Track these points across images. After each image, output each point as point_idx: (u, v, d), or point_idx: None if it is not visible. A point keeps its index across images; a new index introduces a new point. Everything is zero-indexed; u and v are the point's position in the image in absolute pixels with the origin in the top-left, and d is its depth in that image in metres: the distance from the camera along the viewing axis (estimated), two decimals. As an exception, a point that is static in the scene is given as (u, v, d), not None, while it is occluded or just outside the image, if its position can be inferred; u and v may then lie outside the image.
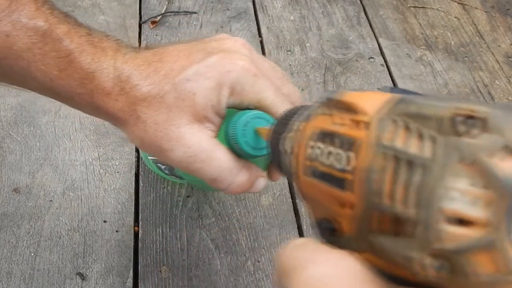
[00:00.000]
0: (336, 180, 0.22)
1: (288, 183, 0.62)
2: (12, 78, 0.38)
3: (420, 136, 0.19)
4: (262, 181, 0.41)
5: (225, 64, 0.38)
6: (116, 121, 0.39)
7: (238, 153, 0.39)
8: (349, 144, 0.22)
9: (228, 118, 0.39)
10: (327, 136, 0.23)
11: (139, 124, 0.38)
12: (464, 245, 0.17)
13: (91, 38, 0.38)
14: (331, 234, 0.23)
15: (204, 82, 0.37)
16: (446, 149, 0.17)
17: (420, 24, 0.86)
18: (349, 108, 0.23)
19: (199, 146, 0.37)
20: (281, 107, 0.39)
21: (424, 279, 0.18)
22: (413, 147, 0.19)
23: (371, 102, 0.22)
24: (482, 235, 0.17)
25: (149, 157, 0.57)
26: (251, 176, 0.40)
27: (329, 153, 0.23)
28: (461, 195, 0.17)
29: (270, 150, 0.34)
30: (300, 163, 0.25)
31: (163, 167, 0.57)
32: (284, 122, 0.31)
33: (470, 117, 0.17)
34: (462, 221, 0.17)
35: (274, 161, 0.33)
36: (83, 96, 0.38)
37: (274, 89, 0.39)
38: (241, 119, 0.38)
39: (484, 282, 0.17)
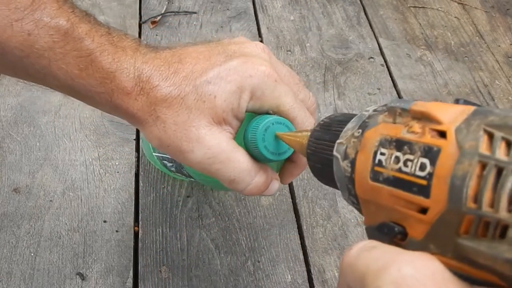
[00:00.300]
0: (411, 186, 0.23)
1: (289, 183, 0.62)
2: (32, 76, 0.38)
3: (508, 144, 0.20)
4: (276, 184, 0.42)
5: (246, 68, 0.38)
6: (134, 121, 0.39)
7: (255, 156, 0.40)
8: (428, 151, 0.23)
9: (246, 121, 0.40)
10: (400, 144, 0.24)
11: (158, 124, 0.38)
12: None
13: (111, 37, 0.38)
14: (394, 237, 0.24)
15: (225, 85, 0.37)
16: None
17: (420, 24, 0.86)
18: (425, 118, 0.24)
19: (219, 148, 0.38)
20: (299, 113, 0.40)
21: None
22: (501, 153, 0.20)
23: (449, 112, 0.23)
24: None
25: (154, 154, 0.57)
26: (268, 178, 0.41)
27: (403, 159, 0.24)
28: None
29: (312, 156, 0.34)
30: (364, 169, 0.26)
31: (169, 164, 0.57)
32: (330, 129, 0.32)
33: None
34: None
35: (318, 167, 0.33)
36: (103, 95, 0.38)
37: (293, 95, 0.40)
38: (262, 124, 0.39)
39: None
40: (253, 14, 0.85)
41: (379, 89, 0.74)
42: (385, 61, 0.79)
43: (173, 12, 0.84)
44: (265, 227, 0.58)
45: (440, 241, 0.22)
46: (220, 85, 0.37)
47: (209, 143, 0.38)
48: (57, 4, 0.36)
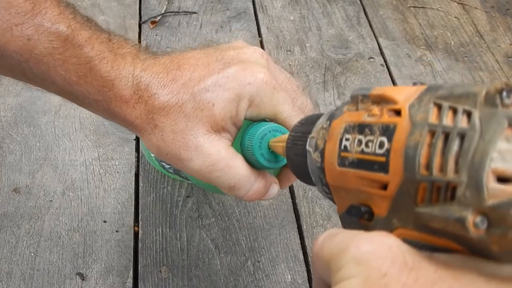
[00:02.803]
0: (373, 164, 0.24)
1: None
2: (31, 80, 0.38)
3: (454, 111, 0.21)
4: (275, 188, 0.42)
5: (245, 75, 0.38)
6: (133, 128, 0.39)
7: (252, 164, 0.40)
8: (384, 130, 0.24)
9: (243, 128, 0.40)
10: (362, 127, 0.25)
11: (156, 132, 0.38)
12: None
13: (111, 44, 0.38)
14: (362, 218, 0.25)
15: (223, 93, 0.37)
16: (491, 118, 0.19)
17: (420, 24, 0.86)
18: (383, 101, 0.25)
19: (218, 155, 0.38)
20: (296, 120, 0.39)
21: (469, 240, 0.19)
22: (455, 121, 0.21)
23: (400, 92, 0.24)
24: None
25: (152, 155, 0.57)
26: (267, 183, 0.41)
27: (365, 141, 0.25)
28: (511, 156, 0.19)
29: (290, 156, 0.35)
30: (332, 156, 0.27)
31: (167, 166, 0.57)
32: (303, 128, 0.33)
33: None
34: (511, 179, 0.19)
35: (294, 165, 0.34)
36: (100, 103, 0.38)
37: (291, 102, 0.40)
38: (258, 132, 0.39)
39: None
40: (253, 14, 0.85)
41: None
42: (385, 61, 0.79)
43: (173, 12, 0.84)
44: (265, 227, 0.58)
45: (401, 213, 0.23)
46: (218, 93, 0.37)
47: (208, 151, 0.37)
48: (58, 9, 0.36)
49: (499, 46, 0.82)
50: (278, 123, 0.40)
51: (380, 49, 0.80)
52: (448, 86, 0.22)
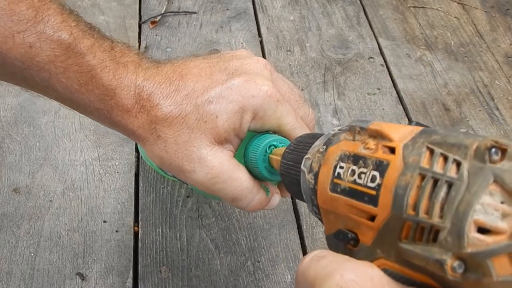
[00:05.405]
0: (363, 196, 0.26)
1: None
2: (32, 87, 0.38)
3: (445, 159, 0.22)
4: (277, 198, 0.42)
5: (249, 88, 0.38)
6: (135, 138, 0.39)
7: (256, 175, 0.40)
8: (378, 165, 0.25)
9: (246, 139, 0.40)
10: (356, 158, 0.27)
11: (159, 143, 0.38)
12: (491, 249, 0.20)
13: (114, 52, 0.37)
14: (348, 243, 0.27)
15: (227, 105, 0.37)
16: (478, 172, 0.21)
17: (420, 24, 0.86)
18: (379, 136, 0.26)
19: (221, 167, 0.38)
20: (300, 132, 0.40)
21: (446, 281, 0.21)
22: (445, 169, 0.22)
23: (400, 131, 0.26)
24: (508, 242, 0.20)
25: None
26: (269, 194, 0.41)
27: (358, 172, 0.26)
28: (493, 210, 0.20)
29: (284, 170, 0.36)
30: (325, 181, 0.29)
31: None
32: (300, 147, 0.34)
33: (502, 149, 0.21)
34: (489, 231, 0.20)
35: (288, 180, 0.36)
36: (102, 111, 0.38)
37: (294, 113, 0.40)
38: (262, 145, 0.39)
39: (501, 282, 0.20)
40: (253, 14, 0.85)
41: (379, 89, 0.74)
42: (385, 61, 0.79)
43: (173, 12, 0.84)
44: (265, 227, 0.58)
45: (385, 245, 0.24)
46: (222, 105, 0.37)
47: (211, 163, 0.37)
48: (61, 17, 0.36)
49: (499, 46, 0.82)
50: (282, 135, 0.40)
51: (380, 49, 0.80)
52: (443, 133, 0.24)
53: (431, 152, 0.23)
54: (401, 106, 0.72)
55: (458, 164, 0.22)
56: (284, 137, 0.40)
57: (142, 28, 0.81)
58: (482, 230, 0.20)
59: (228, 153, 0.39)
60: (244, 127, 0.38)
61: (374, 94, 0.73)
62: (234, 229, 0.57)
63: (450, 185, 0.21)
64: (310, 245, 0.56)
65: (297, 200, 0.60)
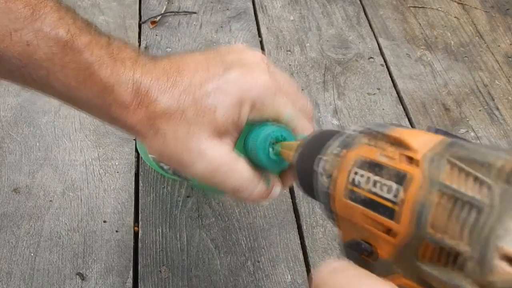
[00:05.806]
0: (381, 208, 0.25)
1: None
2: (30, 85, 0.38)
3: (475, 180, 0.21)
4: (278, 189, 0.42)
5: (246, 80, 0.38)
6: (134, 133, 0.39)
7: (256, 165, 0.40)
8: (399, 177, 0.24)
9: (245, 129, 0.40)
10: (375, 166, 0.26)
11: (158, 137, 0.38)
12: None
13: (111, 49, 0.37)
14: (363, 255, 0.26)
15: (225, 98, 0.37)
16: (506, 195, 0.20)
17: (420, 24, 0.86)
18: (398, 144, 0.25)
19: (221, 160, 0.38)
20: (298, 122, 0.40)
21: None
22: (470, 190, 0.21)
23: (421, 140, 0.25)
24: None
25: (149, 155, 0.57)
26: (270, 184, 0.41)
27: (377, 182, 0.25)
28: None
29: (298, 166, 0.35)
30: (340, 187, 0.28)
31: (166, 167, 0.57)
32: (316, 144, 0.33)
33: None
34: None
35: (301, 177, 0.35)
36: (100, 108, 0.38)
37: (292, 105, 0.40)
38: (262, 134, 0.39)
39: None
40: (253, 14, 0.85)
41: (378, 89, 0.74)
42: (385, 61, 0.79)
43: (173, 12, 0.84)
44: (265, 227, 0.58)
45: (403, 263, 0.24)
46: (220, 98, 0.37)
47: (210, 156, 0.37)
48: (58, 14, 0.36)
49: (499, 46, 0.82)
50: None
51: (380, 49, 0.80)
52: (467, 145, 0.23)
53: (457, 168, 0.22)
54: (401, 106, 0.72)
55: (485, 185, 0.21)
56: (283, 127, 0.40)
57: (142, 28, 0.81)
58: (509, 259, 0.19)
59: (228, 145, 0.39)
60: (243, 119, 0.38)
61: (374, 94, 0.73)
62: (234, 229, 0.57)
63: (479, 210, 0.21)
64: (310, 245, 0.56)
65: (297, 200, 0.60)
